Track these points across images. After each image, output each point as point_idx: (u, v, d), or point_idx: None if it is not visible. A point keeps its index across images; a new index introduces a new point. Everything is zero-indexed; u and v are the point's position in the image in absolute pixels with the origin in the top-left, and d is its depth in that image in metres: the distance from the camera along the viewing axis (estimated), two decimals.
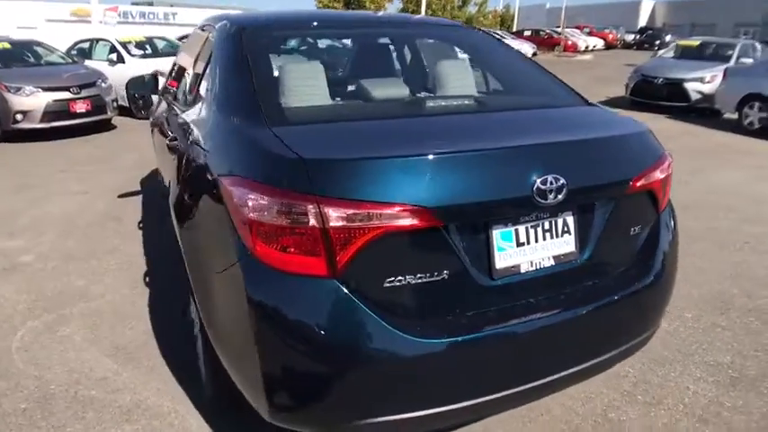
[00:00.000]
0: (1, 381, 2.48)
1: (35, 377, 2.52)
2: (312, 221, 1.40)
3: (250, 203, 1.45)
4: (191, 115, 2.28)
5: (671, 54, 12.57)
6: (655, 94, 10.75)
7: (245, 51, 2.08)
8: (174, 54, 10.49)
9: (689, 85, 10.34)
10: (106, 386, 2.45)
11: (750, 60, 10.95)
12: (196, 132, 2.07)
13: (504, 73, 2.60)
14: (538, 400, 1.85)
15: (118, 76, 9.24)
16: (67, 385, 2.46)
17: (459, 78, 2.47)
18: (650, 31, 40.53)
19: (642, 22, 51.34)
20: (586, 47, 34.96)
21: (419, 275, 1.49)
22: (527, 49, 26.25)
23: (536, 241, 1.67)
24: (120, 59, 9.80)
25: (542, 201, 1.58)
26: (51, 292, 3.34)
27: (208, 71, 2.30)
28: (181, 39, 13.07)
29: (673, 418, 2.30)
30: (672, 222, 2.09)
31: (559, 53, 31.39)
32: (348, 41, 2.87)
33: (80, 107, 7.91)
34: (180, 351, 2.68)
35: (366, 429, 1.53)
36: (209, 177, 1.76)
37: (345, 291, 1.43)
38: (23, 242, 4.10)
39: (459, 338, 1.52)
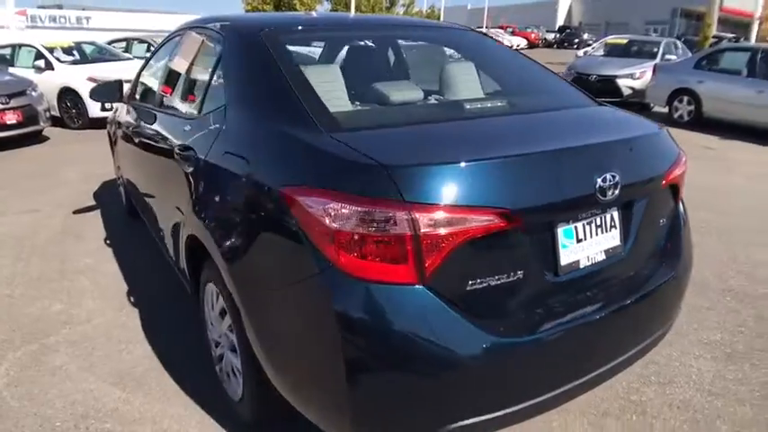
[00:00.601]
0: None
1: (34, 414, 2.31)
2: (403, 228, 1.37)
3: (332, 213, 1.40)
4: (208, 124, 2.15)
5: (600, 52, 13.28)
6: (589, 91, 11.25)
7: (274, 54, 1.99)
8: (106, 60, 9.99)
9: (621, 81, 10.97)
10: (120, 418, 2.28)
11: (674, 57, 11.79)
12: (224, 142, 1.96)
13: (515, 74, 2.66)
14: (595, 388, 1.92)
15: (47, 84, 8.64)
16: (75, 420, 2.27)
17: (467, 80, 2.51)
18: (569, 30, 42.71)
19: (560, 21, 53.87)
20: (511, 46, 36.02)
21: (498, 276, 1.51)
22: None
23: (591, 237, 1.73)
24: (49, 66, 9.12)
25: (603, 198, 1.64)
26: (27, 319, 3.06)
27: (222, 76, 2.18)
28: (110, 43, 12.38)
29: (687, 394, 2.45)
30: (684, 212, 2.23)
31: None
32: (359, 43, 2.81)
33: (10, 118, 7.29)
34: (191, 372, 2.55)
35: None
36: (263, 189, 1.68)
37: (434, 297, 1.42)
38: None
39: (537, 336, 1.56)
